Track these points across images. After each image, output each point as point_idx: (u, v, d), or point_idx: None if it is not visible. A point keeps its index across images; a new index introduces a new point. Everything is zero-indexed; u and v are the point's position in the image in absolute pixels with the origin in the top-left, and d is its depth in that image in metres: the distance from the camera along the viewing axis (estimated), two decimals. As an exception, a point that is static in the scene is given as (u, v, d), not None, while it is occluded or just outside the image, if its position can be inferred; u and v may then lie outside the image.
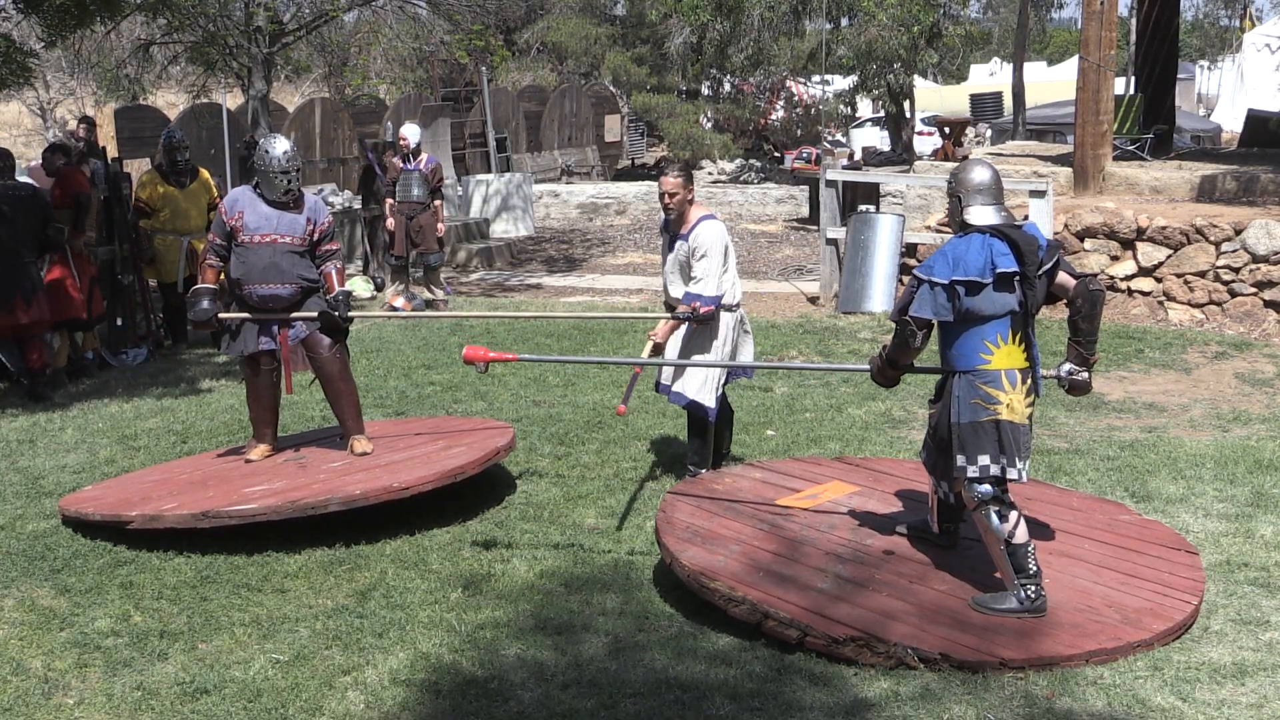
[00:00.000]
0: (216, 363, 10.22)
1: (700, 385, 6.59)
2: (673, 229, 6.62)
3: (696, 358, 6.54)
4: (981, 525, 4.99)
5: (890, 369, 5.24)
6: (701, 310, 6.43)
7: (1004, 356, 4.94)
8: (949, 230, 12.47)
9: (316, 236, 6.73)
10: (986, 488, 4.94)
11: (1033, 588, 4.87)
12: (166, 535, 5.94)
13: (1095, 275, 5.10)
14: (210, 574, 5.60)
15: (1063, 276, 5.06)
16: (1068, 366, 5.16)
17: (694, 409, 6.64)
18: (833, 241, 12.54)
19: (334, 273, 6.74)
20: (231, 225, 6.65)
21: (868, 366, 5.41)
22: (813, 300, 12.65)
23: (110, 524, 6.00)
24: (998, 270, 4.89)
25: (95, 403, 8.79)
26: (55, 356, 9.53)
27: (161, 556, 5.81)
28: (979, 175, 5.10)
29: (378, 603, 5.26)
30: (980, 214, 5.03)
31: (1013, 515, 4.94)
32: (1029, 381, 4.99)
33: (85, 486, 6.86)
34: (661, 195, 6.52)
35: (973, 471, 4.95)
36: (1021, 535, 4.92)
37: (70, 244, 9.54)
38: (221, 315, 6.82)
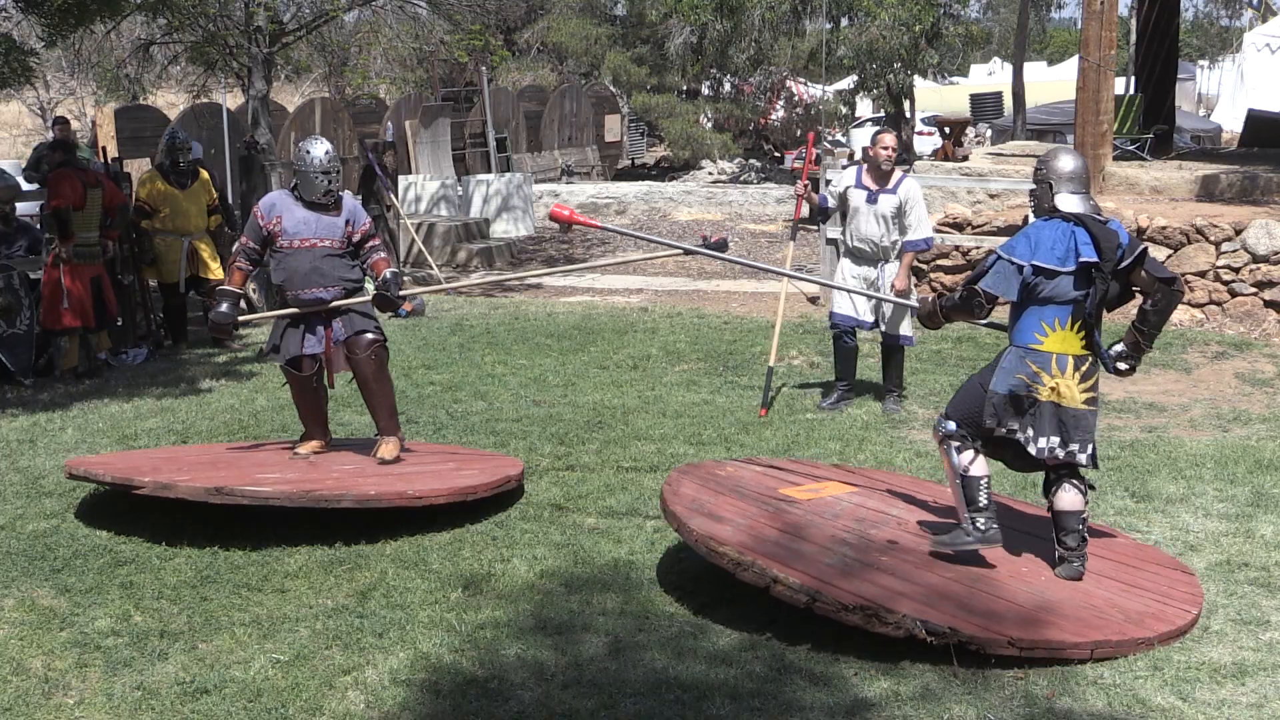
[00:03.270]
0: (216, 363, 10.22)
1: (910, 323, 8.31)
2: (875, 183, 8.17)
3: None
4: (944, 458, 5.29)
5: (944, 319, 5.48)
6: (922, 252, 8.68)
7: (1058, 341, 5.11)
8: (950, 230, 12.50)
9: (358, 238, 6.76)
10: (952, 425, 5.22)
11: (981, 520, 5.11)
12: (167, 533, 5.95)
13: (1178, 278, 5.26)
14: (210, 574, 5.60)
15: (1145, 274, 5.17)
16: (1119, 348, 5.30)
17: (906, 343, 8.34)
18: (833, 241, 12.51)
19: (381, 260, 6.79)
20: (269, 230, 6.65)
21: (917, 305, 5.71)
22: (813, 300, 12.64)
23: (120, 488, 5.99)
24: (1081, 260, 5.04)
25: (95, 403, 8.79)
26: (65, 358, 9.52)
27: (161, 556, 5.81)
28: (1068, 163, 5.26)
29: (378, 603, 5.26)
30: (1069, 201, 5.18)
31: (970, 452, 5.20)
32: (1084, 367, 5.13)
33: (89, 455, 6.91)
34: (885, 149, 8.12)
35: (985, 422, 5.16)
36: (978, 469, 5.18)
37: (63, 251, 9.40)
38: (241, 318, 6.87)
